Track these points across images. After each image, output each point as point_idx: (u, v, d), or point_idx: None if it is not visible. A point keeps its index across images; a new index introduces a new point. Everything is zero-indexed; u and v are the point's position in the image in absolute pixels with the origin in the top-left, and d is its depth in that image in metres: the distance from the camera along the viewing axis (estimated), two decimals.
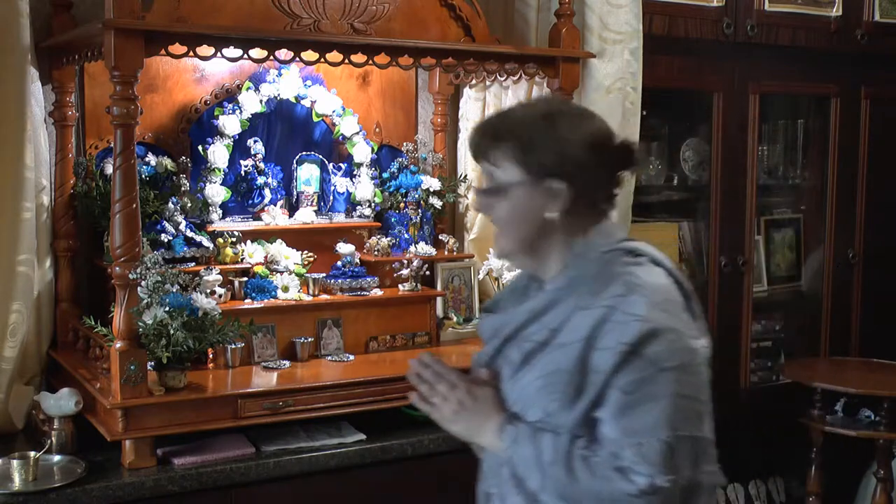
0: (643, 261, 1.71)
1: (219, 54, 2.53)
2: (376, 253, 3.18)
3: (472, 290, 3.35)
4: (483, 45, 2.92)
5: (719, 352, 3.71)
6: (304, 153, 3.23)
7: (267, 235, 3.07)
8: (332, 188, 3.24)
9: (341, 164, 3.27)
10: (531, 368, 1.69)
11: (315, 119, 3.24)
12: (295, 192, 3.21)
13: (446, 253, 3.31)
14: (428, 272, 3.24)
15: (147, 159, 2.94)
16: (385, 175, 3.35)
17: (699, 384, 1.66)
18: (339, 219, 3.24)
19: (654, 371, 1.60)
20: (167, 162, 2.97)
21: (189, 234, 2.91)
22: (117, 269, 2.39)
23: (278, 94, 3.11)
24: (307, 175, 3.22)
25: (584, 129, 1.73)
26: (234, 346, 2.77)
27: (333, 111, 3.22)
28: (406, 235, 3.26)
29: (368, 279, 3.10)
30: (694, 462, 1.62)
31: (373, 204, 3.28)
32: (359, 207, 3.26)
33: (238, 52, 2.56)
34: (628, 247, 1.73)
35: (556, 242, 1.75)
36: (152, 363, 2.48)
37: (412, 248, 3.24)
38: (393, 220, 3.28)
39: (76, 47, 2.68)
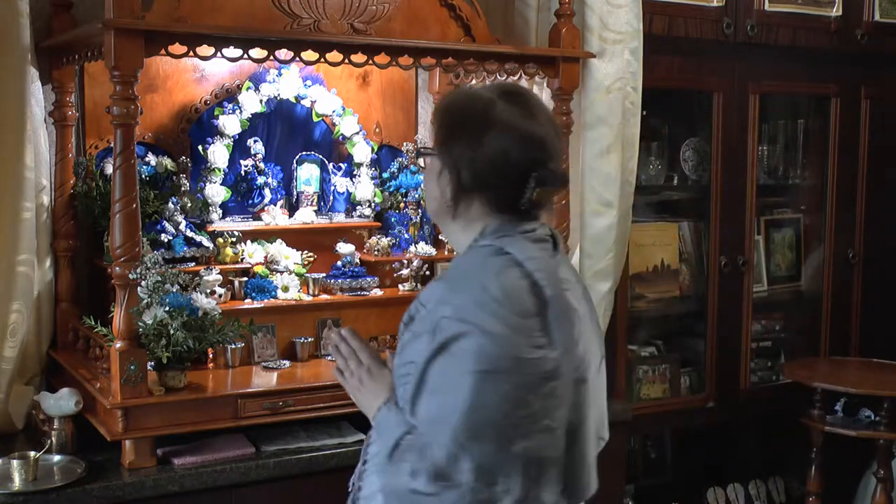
0: (505, 259, 1.68)
1: (219, 54, 2.53)
2: (376, 253, 3.19)
3: None
4: (483, 45, 2.92)
5: (719, 352, 3.76)
6: (304, 153, 3.24)
7: (267, 235, 3.07)
8: (332, 188, 3.24)
9: (341, 164, 3.27)
10: (400, 356, 1.73)
11: (315, 119, 3.24)
12: (295, 192, 3.21)
13: (446, 253, 3.31)
14: (428, 272, 3.24)
15: (147, 159, 2.94)
16: (385, 175, 3.35)
17: (515, 397, 1.58)
18: (339, 219, 3.24)
19: (456, 373, 1.59)
20: (167, 162, 2.97)
21: (189, 234, 2.91)
22: (117, 269, 2.39)
23: (278, 94, 3.11)
24: (307, 175, 3.22)
25: (507, 130, 1.70)
26: (234, 346, 2.78)
27: (333, 111, 3.22)
28: (406, 235, 3.26)
29: (368, 279, 3.10)
30: (480, 476, 1.58)
31: (373, 204, 3.28)
32: (359, 207, 3.26)
33: (238, 52, 2.56)
34: (499, 244, 1.71)
35: (458, 226, 1.79)
36: (152, 363, 2.48)
37: (412, 248, 3.24)
38: (393, 219, 3.28)
39: (76, 47, 2.68)
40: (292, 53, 2.63)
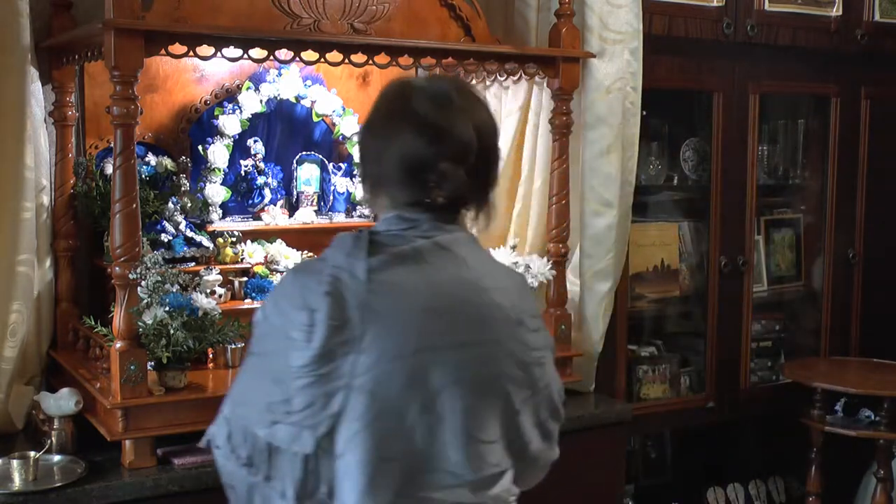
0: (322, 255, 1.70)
1: (219, 54, 2.52)
2: None
3: None
4: (483, 45, 2.92)
5: (719, 352, 3.76)
6: (304, 153, 3.24)
7: (267, 235, 3.07)
8: (332, 188, 3.24)
9: (341, 164, 3.27)
10: None
11: (315, 119, 3.24)
12: (295, 192, 3.21)
13: None
14: None
15: (147, 159, 2.94)
16: None
17: (269, 381, 1.61)
18: (340, 219, 3.24)
19: (248, 354, 1.70)
20: (167, 162, 2.97)
21: (189, 234, 2.91)
22: (117, 269, 2.39)
23: (278, 94, 3.11)
24: (307, 175, 3.22)
25: (414, 125, 1.62)
26: (234, 346, 2.77)
27: (333, 111, 3.22)
28: None
29: None
30: (230, 447, 1.66)
31: None
32: (359, 207, 3.26)
33: (238, 52, 2.56)
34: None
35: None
36: (152, 363, 2.47)
37: None
38: None
39: (76, 47, 2.68)
40: (292, 53, 2.63)
